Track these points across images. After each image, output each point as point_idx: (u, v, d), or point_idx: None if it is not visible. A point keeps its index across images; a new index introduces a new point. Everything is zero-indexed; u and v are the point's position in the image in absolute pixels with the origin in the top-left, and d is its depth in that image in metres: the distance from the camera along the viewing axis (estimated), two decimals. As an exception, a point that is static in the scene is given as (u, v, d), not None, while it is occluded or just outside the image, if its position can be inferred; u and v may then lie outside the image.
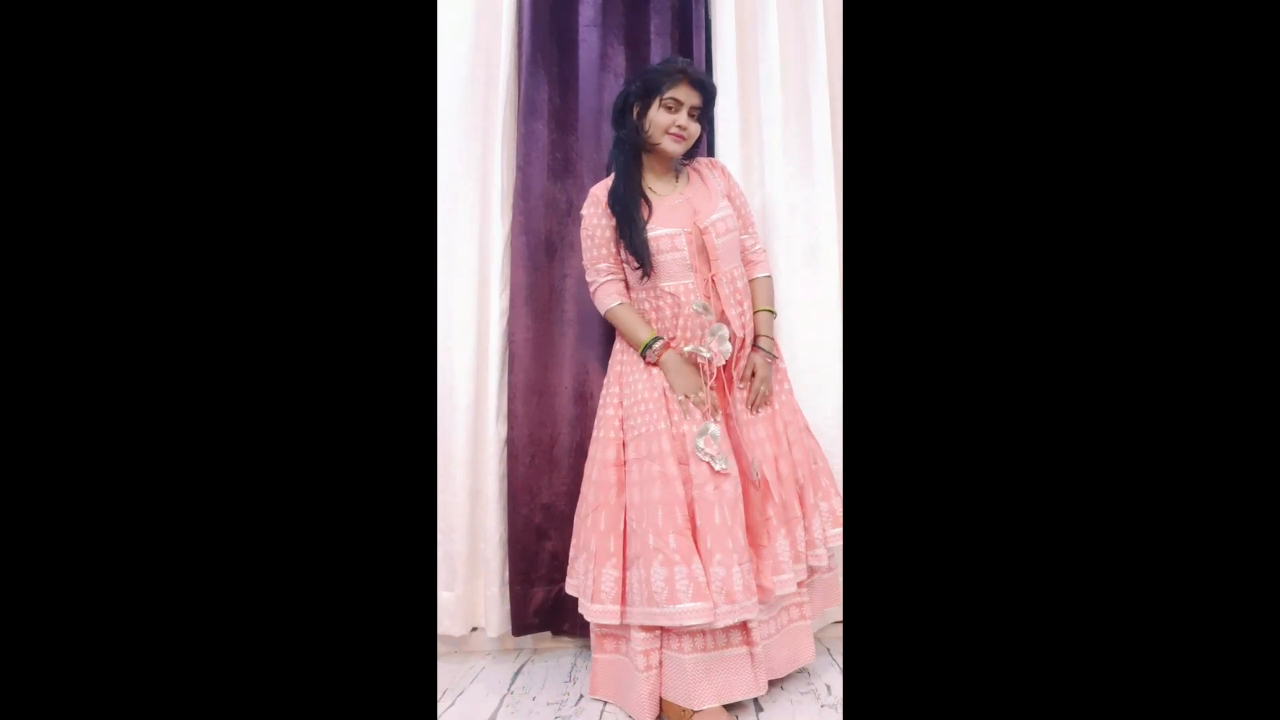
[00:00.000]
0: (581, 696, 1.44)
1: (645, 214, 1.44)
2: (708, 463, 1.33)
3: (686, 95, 1.45)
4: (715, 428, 1.36)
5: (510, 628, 1.68)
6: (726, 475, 1.33)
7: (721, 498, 1.31)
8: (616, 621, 1.33)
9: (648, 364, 1.45)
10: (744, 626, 1.31)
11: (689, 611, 1.23)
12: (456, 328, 1.73)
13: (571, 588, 1.48)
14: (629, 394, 1.44)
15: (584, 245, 1.52)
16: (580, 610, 1.39)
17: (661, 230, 1.43)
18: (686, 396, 1.39)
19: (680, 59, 1.49)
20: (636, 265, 1.43)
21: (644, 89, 1.46)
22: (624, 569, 1.35)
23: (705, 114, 1.49)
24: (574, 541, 1.51)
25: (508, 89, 1.79)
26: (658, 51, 1.84)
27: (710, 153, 1.79)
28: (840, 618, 1.75)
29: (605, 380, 1.54)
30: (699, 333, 1.42)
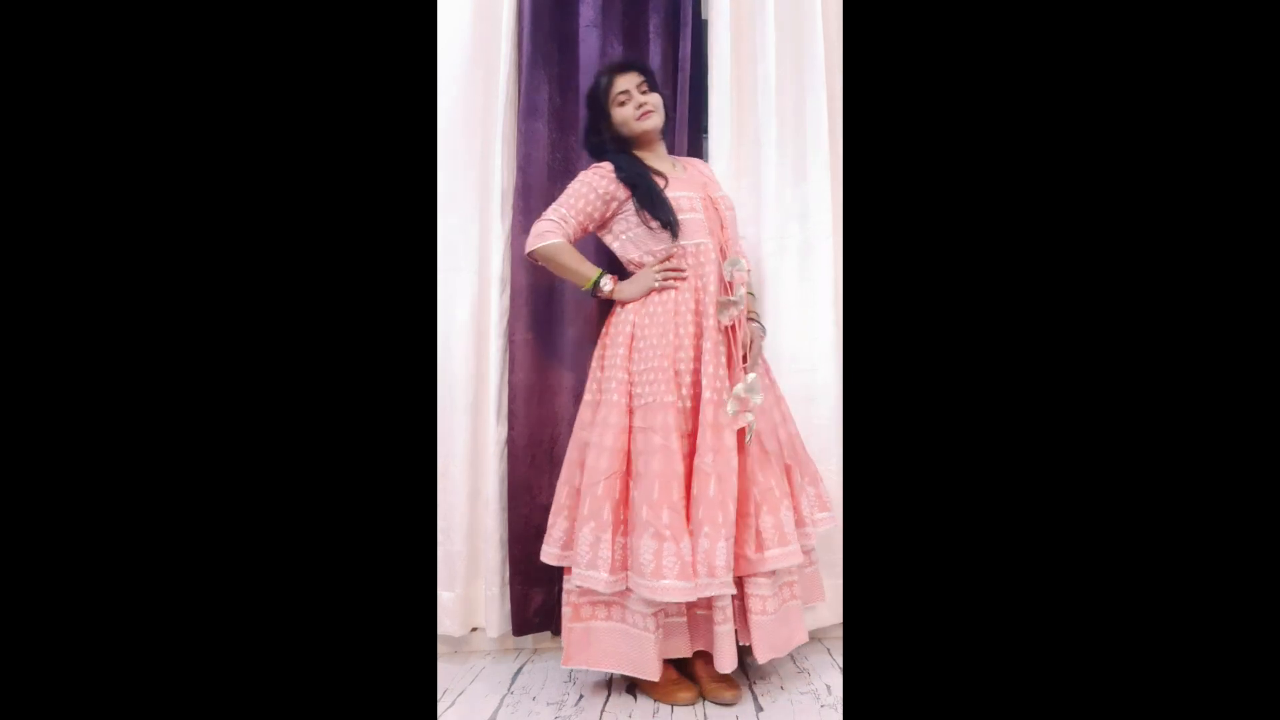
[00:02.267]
0: (582, 696, 1.44)
1: (663, 183, 1.47)
2: (723, 420, 1.35)
3: (626, 81, 1.50)
4: (755, 378, 1.38)
5: (510, 628, 1.69)
6: (742, 446, 1.36)
7: (721, 470, 1.32)
8: (623, 588, 1.33)
9: (601, 295, 1.47)
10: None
11: (672, 589, 1.26)
12: (456, 328, 1.73)
13: (563, 559, 1.43)
14: (640, 360, 1.41)
15: (567, 191, 1.49)
16: (581, 581, 1.34)
17: (681, 193, 1.46)
18: (660, 288, 1.42)
19: (604, 65, 1.56)
20: (663, 226, 1.42)
21: (593, 111, 1.53)
22: (626, 536, 1.35)
23: (652, 83, 1.53)
24: (574, 510, 1.43)
25: (508, 89, 1.79)
26: (656, 51, 1.84)
27: (705, 153, 1.81)
28: (838, 619, 1.75)
29: (605, 338, 1.49)
30: (722, 284, 1.44)
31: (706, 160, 1.79)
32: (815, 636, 1.72)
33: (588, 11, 1.84)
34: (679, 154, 1.75)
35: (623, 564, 1.34)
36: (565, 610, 1.42)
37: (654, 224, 1.43)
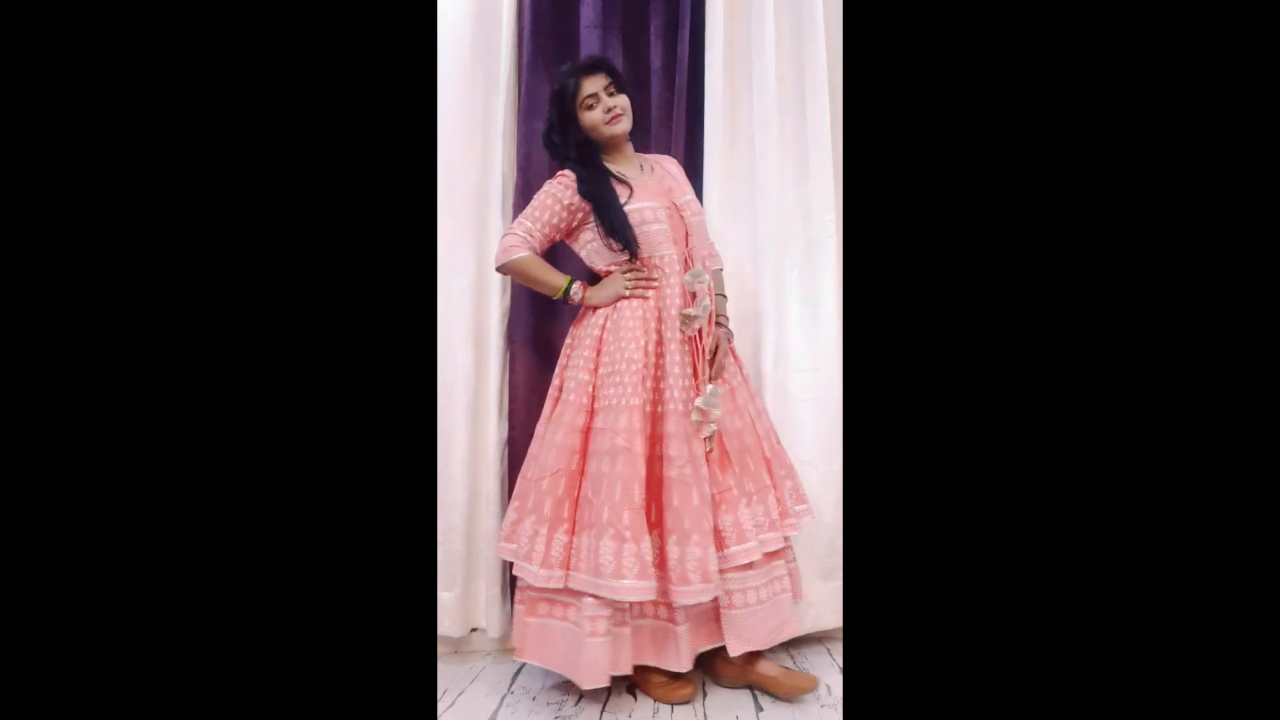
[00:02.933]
0: (581, 696, 1.43)
1: (626, 194, 1.46)
2: (691, 430, 1.36)
3: (594, 84, 1.46)
4: (714, 391, 1.40)
5: (510, 628, 1.68)
6: (706, 453, 1.38)
7: (699, 480, 1.34)
8: (560, 586, 1.34)
9: (572, 302, 1.48)
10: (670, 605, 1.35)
11: (632, 588, 1.27)
12: (456, 328, 1.73)
13: (508, 552, 1.46)
14: (608, 362, 1.42)
15: (532, 202, 1.48)
16: (518, 573, 1.40)
17: (644, 203, 1.45)
18: (629, 295, 1.43)
19: (565, 67, 1.52)
20: (621, 247, 1.43)
21: (560, 113, 1.49)
22: (572, 534, 1.36)
23: (619, 83, 1.50)
24: (516, 503, 1.47)
25: (508, 89, 1.79)
26: (657, 51, 1.84)
27: (699, 153, 1.80)
28: (838, 620, 1.75)
29: (572, 339, 1.51)
30: (685, 296, 1.46)
31: (702, 159, 1.78)
32: (815, 637, 1.73)
33: (588, 11, 1.84)
34: (674, 155, 1.75)
35: (563, 561, 1.34)
36: (520, 606, 1.44)
37: (615, 245, 1.44)
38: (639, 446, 1.35)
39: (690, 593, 1.29)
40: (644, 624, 1.38)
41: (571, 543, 1.36)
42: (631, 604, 1.34)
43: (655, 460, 1.38)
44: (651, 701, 1.39)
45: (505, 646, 1.74)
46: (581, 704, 1.40)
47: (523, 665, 1.62)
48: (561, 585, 1.33)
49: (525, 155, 1.79)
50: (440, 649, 1.72)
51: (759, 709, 1.36)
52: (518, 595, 1.45)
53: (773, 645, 1.41)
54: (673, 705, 1.37)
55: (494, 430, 1.73)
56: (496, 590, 1.68)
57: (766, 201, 1.77)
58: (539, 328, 1.77)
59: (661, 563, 1.32)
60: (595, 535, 1.31)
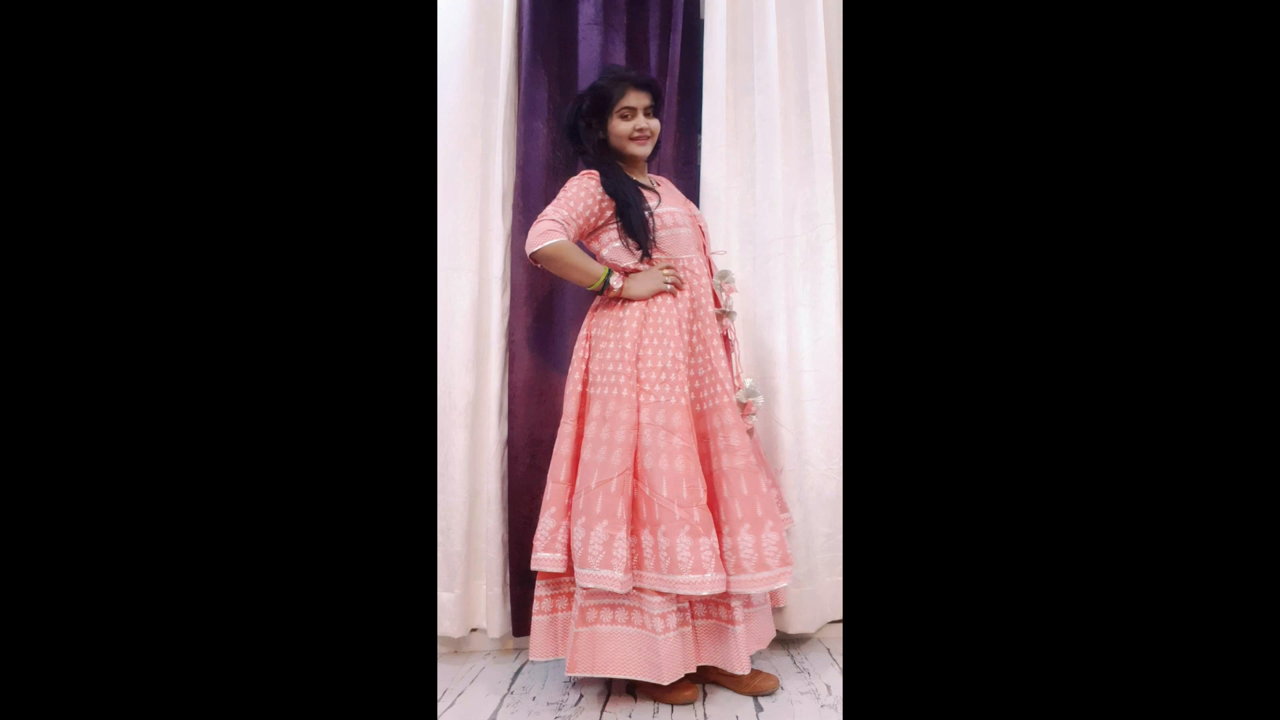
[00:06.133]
0: (581, 696, 1.44)
1: (655, 199, 1.49)
2: (744, 416, 1.44)
3: (637, 99, 1.49)
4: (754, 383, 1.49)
5: (510, 628, 1.69)
6: (756, 440, 1.46)
7: (764, 467, 1.41)
8: (630, 589, 1.32)
9: (610, 294, 1.45)
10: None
11: (714, 581, 1.28)
12: (456, 328, 1.73)
13: (551, 563, 1.40)
14: (649, 355, 1.40)
15: (562, 196, 1.44)
16: (593, 583, 1.31)
17: (674, 208, 1.50)
18: (668, 290, 1.45)
19: (618, 67, 1.54)
20: (637, 245, 1.44)
21: (595, 105, 1.49)
22: (635, 534, 1.35)
23: (657, 110, 1.52)
24: (553, 508, 1.43)
25: (508, 88, 1.79)
26: (656, 50, 1.84)
27: (697, 155, 1.80)
28: (838, 617, 1.75)
29: (595, 330, 1.48)
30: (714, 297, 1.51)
31: (699, 161, 1.80)
32: (815, 637, 1.73)
33: (588, 10, 1.84)
34: (664, 158, 1.77)
35: (636, 563, 1.34)
36: (543, 617, 1.41)
37: (631, 243, 1.44)
38: (694, 445, 1.37)
39: (768, 579, 1.31)
40: (706, 624, 1.39)
41: (636, 543, 1.35)
42: (693, 603, 1.36)
43: (703, 457, 1.41)
44: (652, 702, 1.39)
45: (505, 646, 1.74)
46: (582, 704, 1.40)
47: (523, 665, 1.63)
48: (631, 587, 1.32)
49: (525, 154, 1.79)
50: (440, 649, 1.72)
51: (759, 709, 1.36)
52: (542, 602, 1.42)
53: (763, 647, 1.46)
54: (673, 706, 1.37)
55: (494, 430, 1.73)
56: (496, 590, 1.69)
57: (768, 203, 1.77)
58: (538, 328, 1.77)
59: (720, 558, 1.33)
60: (667, 533, 1.30)
